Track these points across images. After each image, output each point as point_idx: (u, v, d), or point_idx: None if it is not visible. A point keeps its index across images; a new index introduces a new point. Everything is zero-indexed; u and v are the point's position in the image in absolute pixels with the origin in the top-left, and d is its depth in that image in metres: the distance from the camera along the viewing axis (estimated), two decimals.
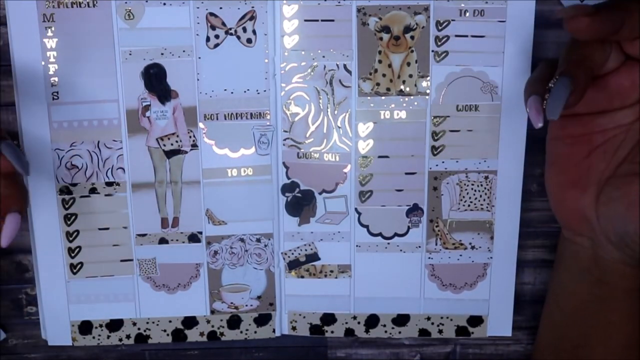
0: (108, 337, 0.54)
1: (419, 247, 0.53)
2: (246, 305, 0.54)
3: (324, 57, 0.50)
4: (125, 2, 0.49)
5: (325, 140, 0.52)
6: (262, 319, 0.55)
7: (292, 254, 0.53)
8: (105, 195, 0.52)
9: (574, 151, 0.46)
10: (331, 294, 0.54)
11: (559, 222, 0.48)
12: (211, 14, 0.49)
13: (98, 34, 0.49)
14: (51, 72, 0.49)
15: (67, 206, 0.52)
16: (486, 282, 0.53)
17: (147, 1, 0.49)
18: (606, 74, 0.44)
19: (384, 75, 0.50)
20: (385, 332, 0.55)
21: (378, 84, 0.51)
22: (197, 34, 0.50)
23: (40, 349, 0.55)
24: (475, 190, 0.52)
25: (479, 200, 0.52)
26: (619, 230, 0.44)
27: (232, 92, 0.51)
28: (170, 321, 0.54)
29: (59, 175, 0.51)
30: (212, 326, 0.55)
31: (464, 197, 0.52)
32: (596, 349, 0.48)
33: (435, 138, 0.51)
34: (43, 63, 0.49)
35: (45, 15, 0.48)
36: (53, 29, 0.49)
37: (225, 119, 0.51)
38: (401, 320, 0.54)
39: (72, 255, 0.52)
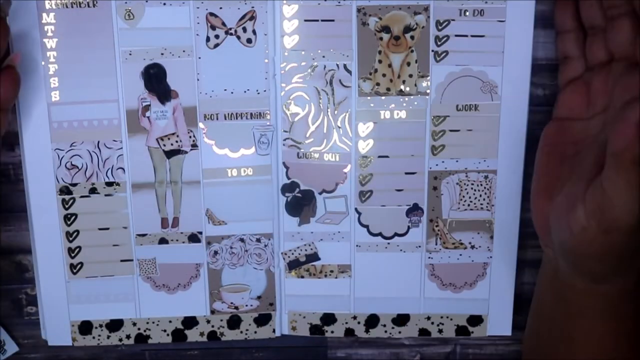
0: (108, 337, 0.54)
1: (419, 246, 0.53)
2: (246, 305, 0.54)
3: (324, 57, 0.50)
4: (125, 2, 0.49)
5: (325, 140, 0.52)
6: (262, 319, 0.55)
7: (292, 254, 0.53)
8: (105, 195, 0.52)
9: (550, 160, 0.46)
10: (331, 294, 0.54)
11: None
12: (211, 14, 0.49)
13: (98, 34, 0.49)
14: (51, 72, 0.49)
15: (67, 206, 0.52)
16: (486, 281, 0.53)
17: (147, 1, 0.49)
18: (588, 78, 0.45)
19: (384, 75, 0.50)
20: (385, 332, 0.55)
21: (378, 84, 0.51)
22: (197, 34, 0.50)
23: (40, 349, 0.55)
24: (475, 190, 0.52)
25: (479, 200, 0.52)
26: (555, 240, 0.43)
27: (232, 92, 0.51)
28: (170, 321, 0.54)
29: (59, 175, 0.51)
30: (212, 326, 0.55)
31: (463, 196, 0.52)
32: None
33: (435, 138, 0.51)
34: (43, 63, 0.49)
35: (45, 15, 0.48)
36: (53, 29, 0.49)
37: (225, 119, 0.51)
38: (401, 320, 0.54)
39: (72, 255, 0.52)
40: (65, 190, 0.51)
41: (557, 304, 0.46)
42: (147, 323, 0.54)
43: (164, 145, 0.51)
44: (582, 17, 0.46)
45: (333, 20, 0.50)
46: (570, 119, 0.46)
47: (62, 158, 0.51)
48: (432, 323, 0.54)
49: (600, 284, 0.43)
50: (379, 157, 0.52)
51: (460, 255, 0.53)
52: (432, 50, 0.50)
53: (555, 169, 0.46)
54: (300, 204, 0.53)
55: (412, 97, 0.51)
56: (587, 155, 0.44)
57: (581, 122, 0.46)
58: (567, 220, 0.41)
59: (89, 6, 0.49)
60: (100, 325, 0.54)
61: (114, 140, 0.51)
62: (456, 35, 0.50)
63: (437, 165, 0.52)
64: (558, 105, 0.48)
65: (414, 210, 0.53)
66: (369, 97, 0.51)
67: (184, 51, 0.50)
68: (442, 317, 0.54)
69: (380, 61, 0.50)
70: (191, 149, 0.51)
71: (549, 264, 0.47)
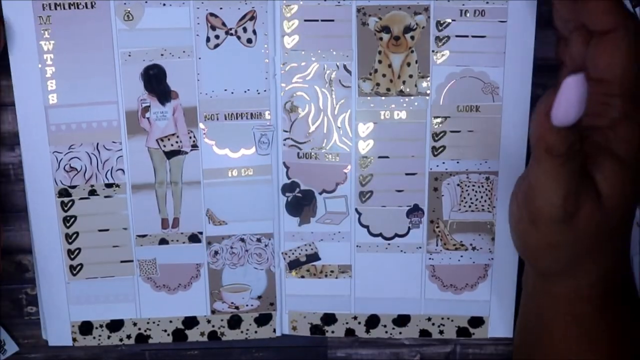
0: (108, 337, 0.54)
1: (420, 247, 0.53)
2: (247, 305, 0.54)
3: (324, 57, 0.50)
4: (125, 3, 0.49)
5: (325, 141, 0.51)
6: (263, 319, 0.55)
7: (293, 254, 0.53)
8: (105, 196, 0.52)
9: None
10: (332, 294, 0.54)
11: None
12: (211, 14, 0.49)
13: (96, 35, 0.49)
14: (48, 75, 0.49)
15: (66, 208, 0.52)
16: (487, 283, 0.53)
17: (146, 2, 0.49)
18: None
19: (384, 75, 0.50)
20: (386, 332, 0.55)
21: (378, 84, 0.50)
22: (197, 35, 0.50)
23: (40, 349, 0.55)
24: (476, 191, 0.52)
25: (480, 201, 0.52)
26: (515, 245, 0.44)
27: (232, 92, 0.51)
28: (170, 321, 0.54)
29: (58, 178, 0.51)
30: (213, 326, 0.55)
31: (464, 198, 0.52)
32: None
33: (436, 139, 0.51)
34: (40, 66, 0.49)
35: (42, 18, 0.48)
36: (50, 31, 0.49)
37: (226, 119, 0.51)
38: (402, 320, 0.54)
39: (72, 257, 0.52)
40: (64, 193, 0.51)
41: (528, 302, 0.47)
42: (148, 323, 0.54)
43: (164, 146, 0.51)
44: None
45: (333, 20, 0.50)
46: None
47: (60, 161, 0.51)
48: (433, 324, 0.54)
49: (553, 284, 0.43)
50: (379, 157, 0.52)
51: (461, 256, 0.53)
52: (433, 51, 0.50)
53: None
54: (301, 204, 0.52)
55: (412, 97, 0.51)
56: None
57: None
58: (510, 212, 0.43)
59: (87, 7, 0.49)
60: (101, 326, 0.54)
61: (114, 142, 0.51)
62: (457, 36, 0.49)
63: (437, 166, 0.52)
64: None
65: (414, 211, 0.52)
66: (369, 97, 0.51)
67: (184, 52, 0.50)
68: (442, 319, 0.54)
69: (380, 61, 0.50)
70: (191, 150, 0.51)
71: (529, 272, 0.47)
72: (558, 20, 0.44)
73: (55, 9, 0.48)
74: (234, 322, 0.55)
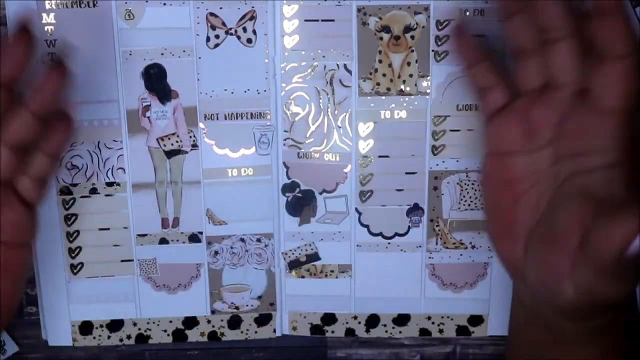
0: (108, 337, 0.54)
1: (420, 246, 0.53)
2: (247, 305, 0.54)
3: (324, 57, 0.50)
4: (126, 2, 0.49)
5: (325, 140, 0.52)
6: (263, 319, 0.55)
7: (293, 253, 0.53)
8: (106, 195, 0.52)
9: (501, 199, 0.43)
10: (332, 294, 0.54)
11: None
12: (211, 14, 0.49)
13: (98, 34, 0.49)
14: None
15: (67, 206, 0.52)
16: (487, 281, 0.53)
17: (147, 1, 0.49)
18: (523, 105, 0.42)
19: (384, 75, 0.50)
20: (386, 331, 0.55)
21: (378, 84, 0.51)
22: (197, 34, 0.50)
23: (40, 349, 0.55)
24: (475, 190, 0.52)
25: (480, 200, 0.52)
26: (537, 293, 0.42)
27: (232, 92, 0.51)
28: (170, 321, 0.54)
29: (59, 176, 0.51)
30: (213, 326, 0.55)
31: (464, 196, 0.52)
32: None
33: (436, 138, 0.51)
34: (43, 64, 0.49)
35: (45, 16, 0.48)
36: (53, 29, 0.49)
37: (226, 119, 0.51)
38: (402, 320, 0.54)
39: (73, 255, 0.52)
40: (65, 191, 0.51)
41: (545, 334, 0.44)
42: (148, 323, 0.54)
43: (164, 145, 0.51)
44: (508, 39, 0.42)
45: (333, 20, 0.50)
46: (509, 152, 0.42)
47: (62, 158, 0.51)
48: (433, 323, 0.54)
49: (591, 321, 0.41)
50: (380, 157, 0.52)
51: (461, 255, 0.53)
52: (433, 50, 0.50)
53: (510, 209, 0.43)
54: (301, 203, 0.53)
55: (412, 97, 0.51)
56: (543, 195, 0.41)
57: (523, 156, 0.42)
58: (552, 291, 0.39)
59: (89, 6, 0.49)
60: (101, 326, 0.54)
61: (114, 141, 0.51)
62: None
63: (437, 165, 0.52)
64: (490, 139, 0.44)
65: (414, 210, 0.53)
66: (369, 97, 0.51)
67: (184, 51, 0.50)
68: (442, 317, 0.54)
69: (380, 61, 0.50)
70: (191, 149, 0.51)
71: (526, 300, 0.44)
72: (518, 29, 0.41)
73: (58, 7, 0.48)
74: (234, 322, 0.55)
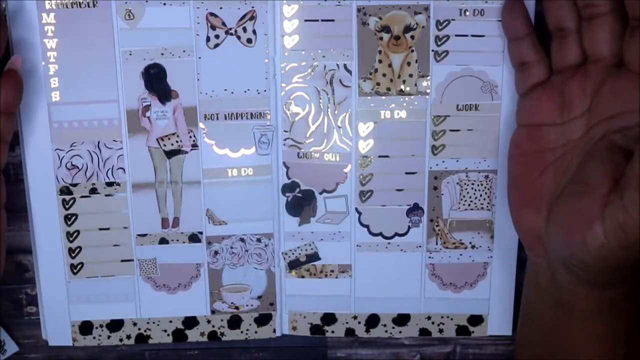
0: (108, 337, 0.54)
1: (420, 246, 0.53)
2: (247, 305, 0.54)
3: (324, 57, 0.50)
4: (126, 2, 0.49)
5: (325, 140, 0.52)
6: (263, 319, 0.55)
7: (293, 253, 0.53)
8: (106, 195, 0.52)
9: (528, 170, 0.46)
10: (332, 294, 0.54)
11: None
12: (211, 14, 0.49)
13: (98, 34, 0.49)
14: (51, 73, 0.49)
15: (67, 206, 0.52)
16: (486, 281, 0.53)
17: (147, 1, 0.49)
18: (559, 81, 0.44)
19: (384, 75, 0.50)
20: (386, 331, 0.55)
21: (378, 84, 0.51)
22: (197, 34, 0.50)
23: (40, 349, 0.55)
24: (475, 190, 0.52)
25: (479, 200, 0.52)
26: (559, 253, 0.43)
27: (232, 92, 0.51)
28: (170, 321, 0.54)
29: (59, 176, 0.51)
30: (213, 326, 0.55)
31: (464, 196, 0.52)
32: None
33: (436, 137, 0.51)
34: (43, 63, 0.49)
35: (45, 16, 0.48)
36: (53, 29, 0.49)
37: (226, 119, 0.51)
38: (402, 319, 0.54)
39: (73, 255, 0.52)
40: (65, 191, 0.51)
41: (556, 311, 0.46)
42: (148, 323, 0.54)
43: (164, 145, 0.51)
44: (548, 19, 0.45)
45: (333, 20, 0.50)
46: (542, 124, 0.46)
47: (62, 158, 0.51)
48: (433, 323, 0.54)
49: (606, 290, 0.43)
50: (379, 157, 0.52)
51: (461, 255, 0.53)
52: (432, 50, 0.50)
53: (536, 179, 0.46)
54: (301, 203, 0.53)
55: (412, 96, 0.51)
56: (572, 162, 0.44)
57: (556, 127, 0.45)
58: (581, 237, 0.40)
59: (89, 6, 0.49)
60: (101, 326, 0.54)
61: (114, 141, 0.51)
62: (456, 35, 0.50)
63: (437, 165, 0.52)
64: (524, 111, 0.47)
65: (414, 210, 0.53)
66: (369, 97, 0.51)
67: (184, 51, 0.50)
68: (442, 317, 0.54)
69: (380, 61, 0.50)
70: (191, 149, 0.51)
71: (542, 273, 0.46)
72: (522, 23, 0.45)
73: (59, 7, 0.48)
74: (234, 322, 0.55)
